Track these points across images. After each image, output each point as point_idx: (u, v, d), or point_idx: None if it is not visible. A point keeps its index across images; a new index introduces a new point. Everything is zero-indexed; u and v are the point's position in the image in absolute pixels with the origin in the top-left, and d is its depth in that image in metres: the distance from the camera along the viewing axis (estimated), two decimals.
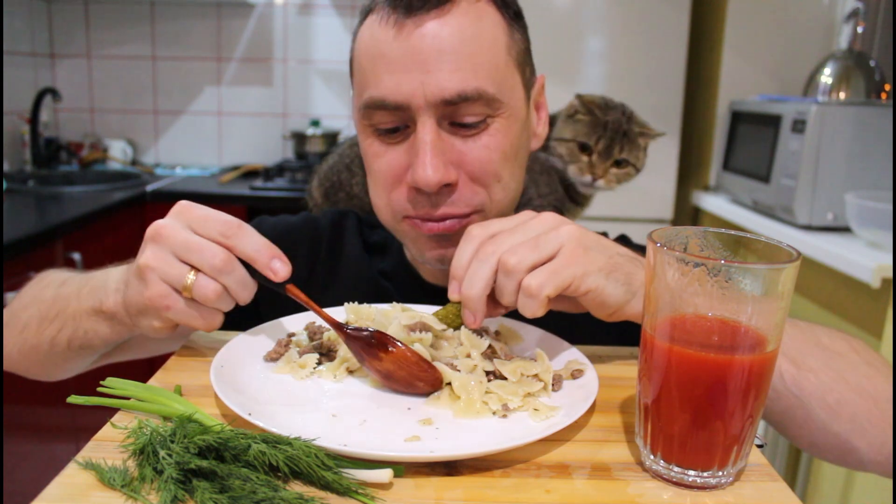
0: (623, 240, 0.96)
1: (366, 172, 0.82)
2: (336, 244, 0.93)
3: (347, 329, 0.64)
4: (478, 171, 0.76)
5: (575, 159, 1.10)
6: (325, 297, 0.84)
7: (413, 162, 0.74)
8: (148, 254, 0.63)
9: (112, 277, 0.72)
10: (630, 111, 1.14)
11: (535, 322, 0.75)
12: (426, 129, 0.73)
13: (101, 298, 0.71)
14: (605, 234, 0.97)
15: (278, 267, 0.64)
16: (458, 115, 0.74)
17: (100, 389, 0.57)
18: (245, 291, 0.65)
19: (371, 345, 0.62)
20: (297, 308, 0.76)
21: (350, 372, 0.65)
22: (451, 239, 0.78)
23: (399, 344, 0.61)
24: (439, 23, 0.72)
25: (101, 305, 0.70)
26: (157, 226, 0.63)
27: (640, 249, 0.95)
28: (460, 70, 0.72)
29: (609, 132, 1.08)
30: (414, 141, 0.74)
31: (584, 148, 1.09)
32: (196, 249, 0.62)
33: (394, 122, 0.75)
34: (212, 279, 0.62)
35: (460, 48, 0.72)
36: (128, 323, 0.69)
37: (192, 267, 0.62)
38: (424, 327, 0.65)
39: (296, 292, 0.66)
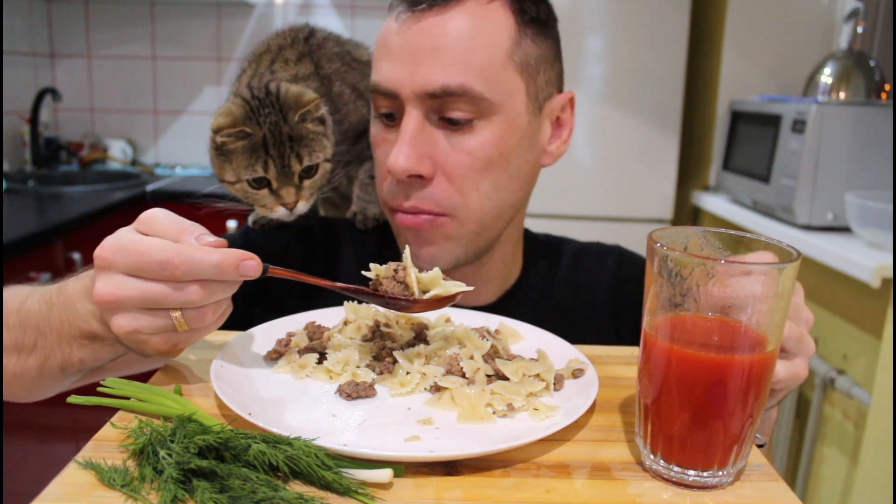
0: (618, 252, 0.95)
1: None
2: (331, 254, 0.92)
3: (338, 285, 0.64)
4: (455, 173, 0.77)
5: (256, 199, 0.81)
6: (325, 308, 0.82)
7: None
8: (118, 323, 0.57)
9: (79, 300, 0.63)
10: (277, 88, 0.79)
11: (535, 322, 0.75)
12: (409, 118, 0.76)
13: (81, 325, 0.63)
14: (598, 243, 0.97)
15: (250, 269, 0.57)
16: (444, 109, 0.76)
17: (100, 389, 0.57)
18: (235, 286, 0.59)
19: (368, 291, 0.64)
20: (295, 308, 0.76)
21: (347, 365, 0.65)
22: (422, 236, 0.80)
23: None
24: (439, 19, 0.75)
25: (89, 329, 0.63)
26: (104, 293, 0.56)
27: (635, 259, 0.95)
28: (449, 66, 0.74)
29: (274, 146, 0.77)
30: (398, 131, 0.77)
31: (259, 182, 0.79)
32: (163, 300, 0.56)
33: (389, 107, 0.78)
34: (199, 308, 0.58)
35: (453, 45, 0.74)
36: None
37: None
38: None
39: (278, 271, 0.62)
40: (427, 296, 0.63)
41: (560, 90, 0.85)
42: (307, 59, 0.90)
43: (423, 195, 0.77)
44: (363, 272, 0.66)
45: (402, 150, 0.75)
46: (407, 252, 0.65)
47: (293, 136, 0.77)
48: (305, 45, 0.91)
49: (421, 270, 0.64)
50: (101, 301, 0.57)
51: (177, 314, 0.57)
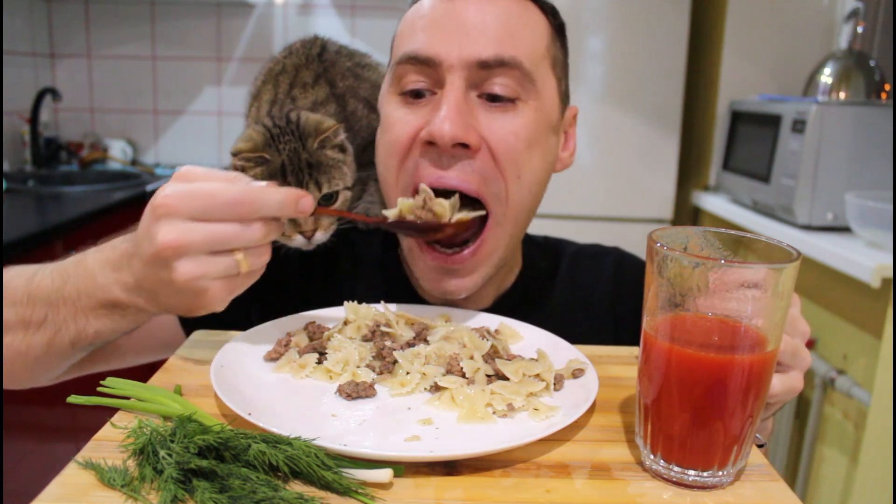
0: (617, 254, 0.95)
1: (376, 155, 0.81)
2: (333, 254, 0.89)
3: (389, 222, 0.72)
4: (501, 150, 0.73)
5: None
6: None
7: (432, 118, 0.72)
8: (183, 269, 0.57)
9: (100, 270, 0.65)
10: (298, 116, 0.78)
11: (536, 321, 0.75)
12: (453, 87, 0.72)
13: (102, 294, 0.64)
14: (597, 244, 0.97)
15: (307, 205, 0.61)
16: (490, 81, 0.73)
17: (100, 389, 0.57)
18: (282, 227, 0.64)
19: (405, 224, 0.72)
20: (294, 308, 0.76)
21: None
22: (457, 271, 0.76)
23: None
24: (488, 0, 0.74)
25: (110, 299, 0.64)
26: (170, 240, 0.57)
27: (634, 261, 0.95)
28: (501, 39, 0.73)
29: (292, 172, 0.77)
30: (438, 101, 0.73)
31: None
32: (231, 240, 0.58)
33: (421, 81, 0.74)
34: (259, 247, 0.61)
35: (504, 23, 0.73)
36: (151, 310, 0.65)
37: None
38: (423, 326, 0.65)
39: (324, 210, 0.70)
40: (454, 219, 0.72)
41: (568, 104, 0.86)
42: (323, 81, 0.90)
43: (466, 167, 0.73)
44: (383, 210, 0.73)
45: (447, 115, 0.70)
46: (425, 185, 0.72)
47: (312, 163, 0.77)
48: (320, 63, 0.91)
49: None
50: (166, 247, 0.57)
51: (239, 255, 0.59)
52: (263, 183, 0.61)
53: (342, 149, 0.80)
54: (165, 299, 0.62)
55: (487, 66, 0.72)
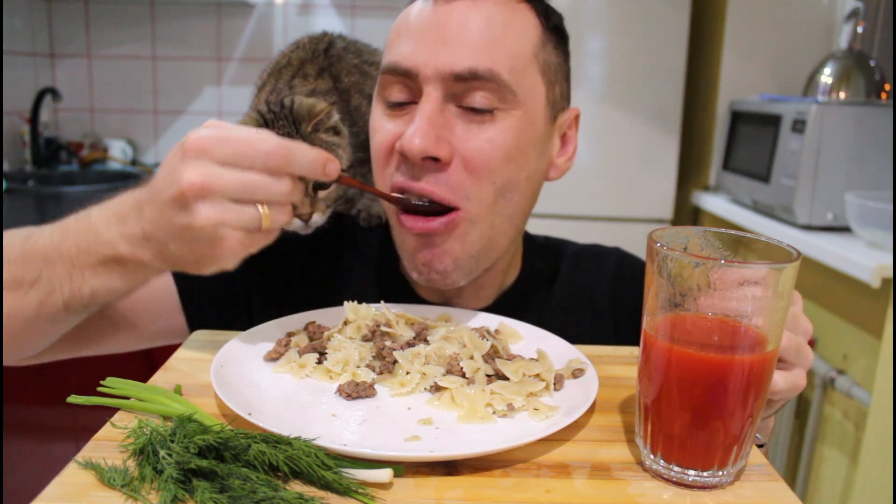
0: (617, 254, 0.96)
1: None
2: (334, 251, 0.91)
3: (401, 198, 0.72)
4: (474, 161, 0.73)
5: None
6: (346, 294, 0.79)
7: (406, 130, 0.73)
8: (205, 213, 0.56)
9: (105, 225, 0.64)
10: (291, 101, 0.78)
11: (536, 321, 0.75)
12: (429, 99, 0.72)
13: (104, 250, 0.63)
14: (597, 245, 0.97)
15: (333, 170, 0.61)
16: (467, 95, 0.73)
17: (100, 389, 0.57)
18: (302, 190, 0.64)
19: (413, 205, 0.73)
20: (294, 299, 0.76)
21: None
22: (434, 241, 0.75)
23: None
24: (469, 4, 0.73)
25: (113, 254, 0.63)
26: (197, 179, 0.55)
27: (634, 261, 0.95)
28: (478, 50, 0.72)
29: None
30: (414, 113, 0.73)
31: None
32: (259, 190, 0.58)
33: (402, 92, 0.75)
34: (283, 205, 0.61)
35: (484, 31, 0.73)
36: (155, 265, 0.64)
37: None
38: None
39: (348, 180, 0.68)
40: None
41: (568, 107, 0.85)
42: (326, 75, 0.90)
43: (437, 179, 0.73)
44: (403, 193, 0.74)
45: (419, 128, 0.71)
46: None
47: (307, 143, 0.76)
48: (326, 58, 0.91)
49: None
50: (192, 186, 0.56)
51: (264, 209, 0.58)
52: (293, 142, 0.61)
53: (336, 131, 0.79)
54: (176, 248, 0.60)
55: (463, 79, 0.72)
